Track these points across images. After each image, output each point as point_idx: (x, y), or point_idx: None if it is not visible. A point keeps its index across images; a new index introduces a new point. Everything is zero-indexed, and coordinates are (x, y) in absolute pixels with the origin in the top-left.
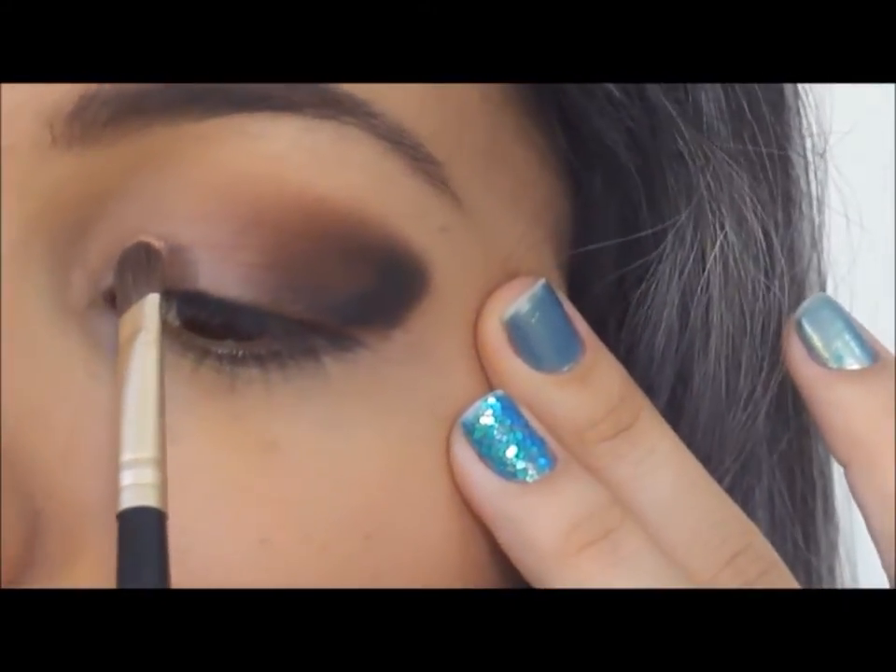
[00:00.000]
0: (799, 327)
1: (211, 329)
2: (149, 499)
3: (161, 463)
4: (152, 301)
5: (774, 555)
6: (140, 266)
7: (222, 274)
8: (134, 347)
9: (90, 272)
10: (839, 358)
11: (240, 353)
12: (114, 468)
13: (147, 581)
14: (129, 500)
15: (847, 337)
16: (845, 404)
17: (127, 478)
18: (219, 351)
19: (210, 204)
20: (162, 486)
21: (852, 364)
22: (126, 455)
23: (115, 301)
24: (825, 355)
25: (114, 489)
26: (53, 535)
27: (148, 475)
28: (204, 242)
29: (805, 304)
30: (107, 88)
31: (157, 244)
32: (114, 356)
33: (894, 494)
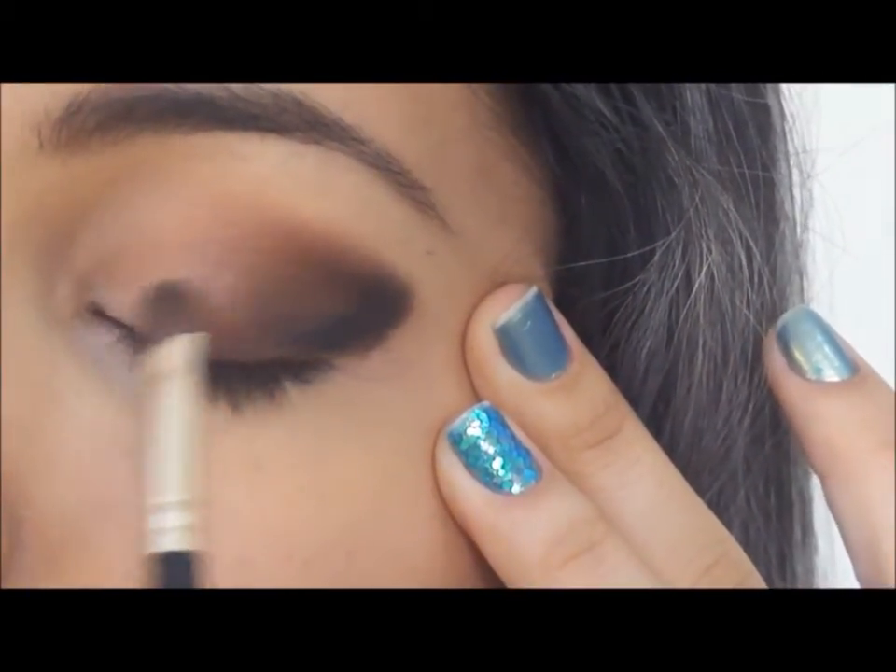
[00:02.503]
0: (779, 338)
1: None
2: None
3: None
4: (185, 341)
5: (749, 565)
6: (170, 305)
7: (204, 296)
8: (172, 385)
9: (74, 281)
10: (819, 371)
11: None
12: (94, 480)
13: None
14: (173, 543)
15: (828, 349)
16: (823, 416)
17: (173, 519)
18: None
19: (193, 224)
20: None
21: (832, 376)
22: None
23: (98, 311)
24: (805, 367)
25: (94, 501)
26: (34, 545)
27: (190, 517)
28: (187, 262)
29: (785, 316)
30: (96, 95)
31: (185, 284)
32: (98, 366)
33: (871, 507)
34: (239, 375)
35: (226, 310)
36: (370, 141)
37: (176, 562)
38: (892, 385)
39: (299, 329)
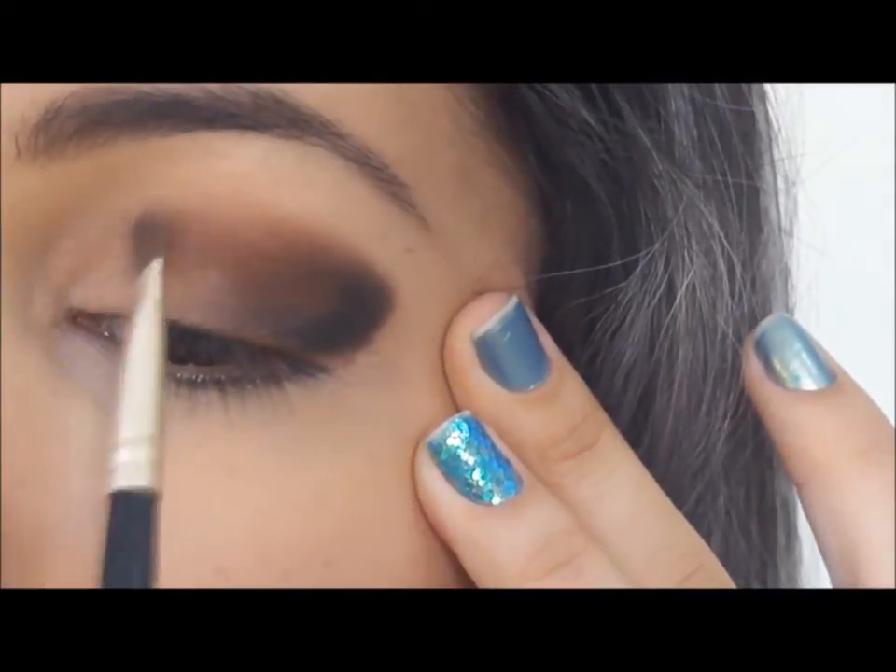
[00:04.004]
0: (757, 346)
1: (175, 352)
2: (142, 479)
3: (157, 440)
4: (154, 269)
5: (725, 576)
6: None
7: (185, 300)
8: (136, 318)
9: (53, 289)
10: (796, 379)
11: (199, 377)
12: (72, 489)
13: (133, 565)
14: (122, 480)
15: (805, 357)
16: (800, 425)
17: (122, 456)
18: (179, 375)
19: (174, 226)
20: (155, 464)
21: (809, 385)
22: (120, 434)
23: (77, 317)
24: (783, 375)
25: (72, 510)
26: (10, 555)
27: (141, 454)
28: (169, 264)
29: (763, 323)
30: (73, 100)
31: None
32: (77, 375)
33: (847, 515)
34: (232, 378)
35: (208, 312)
36: (349, 136)
37: (131, 500)
38: (893, 392)
39: (284, 325)
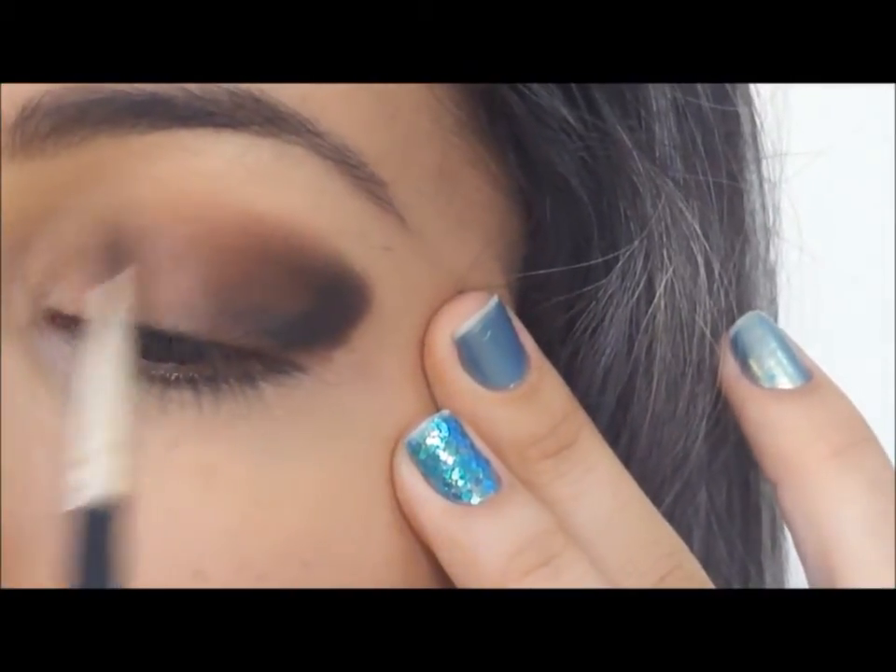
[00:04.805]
0: (733, 345)
1: (150, 351)
2: (105, 492)
3: (119, 450)
4: (125, 276)
5: (703, 576)
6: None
7: (161, 299)
8: (90, 332)
9: (30, 288)
10: (772, 378)
11: (173, 376)
12: (51, 489)
13: (102, 582)
14: (84, 496)
15: (781, 356)
16: (776, 424)
17: (83, 470)
18: (152, 372)
19: (151, 223)
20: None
21: (784, 383)
22: (74, 451)
23: (54, 318)
24: (758, 373)
25: (50, 511)
26: None
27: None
28: (145, 263)
29: (739, 322)
30: (50, 99)
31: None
32: (55, 375)
33: (823, 515)
34: (206, 377)
35: (184, 313)
36: (326, 133)
37: (95, 516)
38: (879, 390)
39: (260, 323)
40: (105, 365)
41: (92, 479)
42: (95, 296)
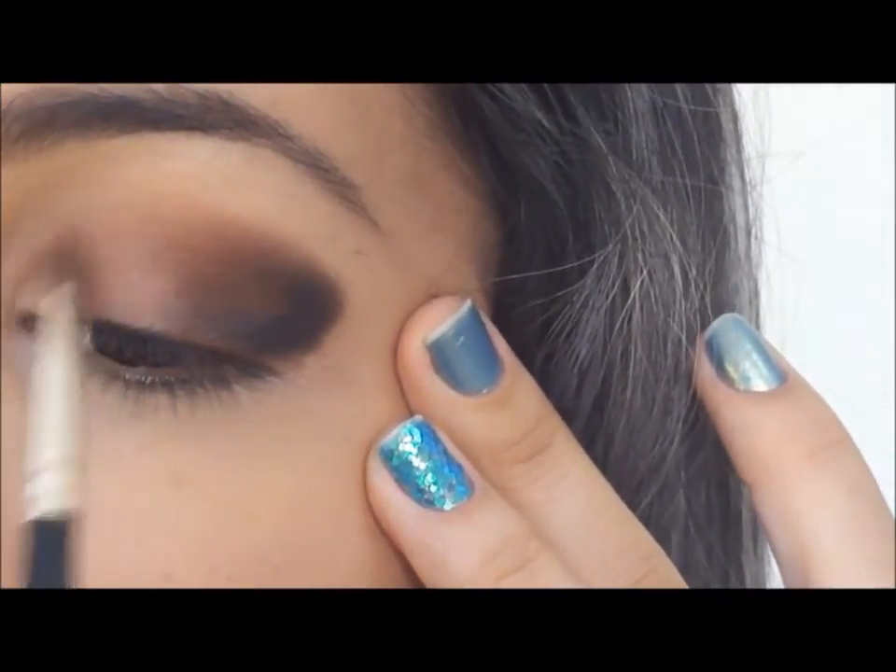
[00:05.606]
0: (708, 347)
1: (123, 354)
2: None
3: (67, 463)
4: (62, 292)
5: (679, 579)
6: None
7: (134, 302)
8: (40, 344)
9: (3, 292)
10: (747, 380)
11: (148, 379)
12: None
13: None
14: (37, 509)
15: (756, 357)
16: (751, 426)
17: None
18: (127, 376)
19: (122, 227)
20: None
21: (760, 385)
22: (28, 463)
23: (28, 320)
24: (733, 376)
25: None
26: None
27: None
28: (116, 266)
29: (714, 324)
30: (20, 102)
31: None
32: (28, 378)
33: (798, 517)
34: (181, 380)
35: (157, 315)
36: (297, 136)
37: (47, 529)
38: (889, 398)
39: (232, 327)
40: (54, 373)
41: (43, 493)
42: (45, 303)
